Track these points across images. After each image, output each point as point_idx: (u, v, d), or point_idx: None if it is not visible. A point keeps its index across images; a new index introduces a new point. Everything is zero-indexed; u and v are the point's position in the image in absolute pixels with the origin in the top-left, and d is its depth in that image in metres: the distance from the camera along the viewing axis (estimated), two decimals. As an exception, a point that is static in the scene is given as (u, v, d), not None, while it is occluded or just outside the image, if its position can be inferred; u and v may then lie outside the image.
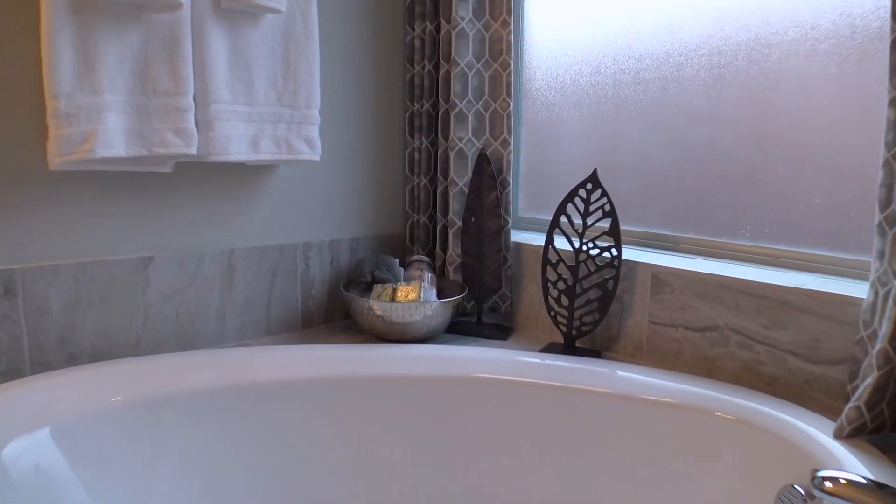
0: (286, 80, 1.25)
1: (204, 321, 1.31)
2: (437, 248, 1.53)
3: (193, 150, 1.13)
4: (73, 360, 1.19)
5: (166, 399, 1.09)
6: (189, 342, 1.30)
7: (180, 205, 1.27)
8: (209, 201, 1.30)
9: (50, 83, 1.03)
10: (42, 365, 1.16)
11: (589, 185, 1.25)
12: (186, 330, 1.29)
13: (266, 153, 1.23)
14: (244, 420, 1.13)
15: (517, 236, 1.48)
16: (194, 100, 1.14)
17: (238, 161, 1.20)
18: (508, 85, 1.41)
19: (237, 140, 1.19)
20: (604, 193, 1.24)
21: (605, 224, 1.24)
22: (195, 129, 1.13)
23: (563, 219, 1.28)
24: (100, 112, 1.06)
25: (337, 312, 1.50)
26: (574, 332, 1.28)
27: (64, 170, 1.10)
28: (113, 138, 1.07)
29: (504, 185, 1.42)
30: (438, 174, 1.50)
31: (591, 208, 1.25)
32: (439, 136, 1.49)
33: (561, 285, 1.29)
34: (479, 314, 1.44)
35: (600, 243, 1.24)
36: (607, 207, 1.23)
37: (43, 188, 1.14)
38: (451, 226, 1.47)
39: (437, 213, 1.52)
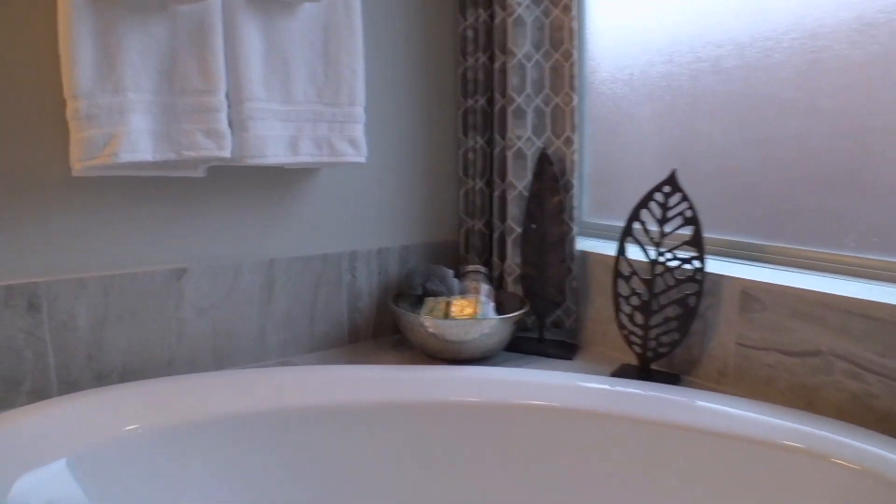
0: (327, 76, 1.15)
1: (242, 337, 1.22)
2: (495, 257, 1.40)
3: (226, 153, 1.03)
4: (101, 379, 1.10)
5: (197, 425, 1.00)
6: (227, 359, 1.21)
7: (215, 212, 1.17)
8: (246, 208, 1.20)
9: (69, 82, 0.94)
10: (69, 384, 1.08)
11: (667, 188, 1.11)
12: (224, 346, 1.20)
13: (306, 155, 1.13)
14: (280, 448, 1.03)
15: (582, 244, 1.34)
16: (227, 98, 1.04)
17: (276, 164, 1.10)
18: (571, 77, 1.28)
19: (274, 141, 1.08)
20: (684, 197, 1.09)
21: (686, 232, 1.09)
22: (228, 130, 1.04)
23: (637, 226, 1.14)
24: (123, 113, 0.97)
25: (386, 326, 1.39)
26: (650, 354, 1.14)
27: (88, 175, 1.02)
28: (138, 141, 0.97)
29: (567, 187, 1.29)
30: (495, 176, 1.38)
31: (669, 214, 1.11)
32: (496, 134, 1.36)
33: (635, 301, 1.15)
34: (541, 330, 1.30)
35: (680, 254, 1.10)
36: (688, 213, 1.09)
37: (67, 195, 1.06)
38: (510, 233, 1.34)
39: (495, 219, 1.39)
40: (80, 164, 0.96)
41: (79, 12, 0.93)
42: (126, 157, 0.95)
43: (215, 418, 1.01)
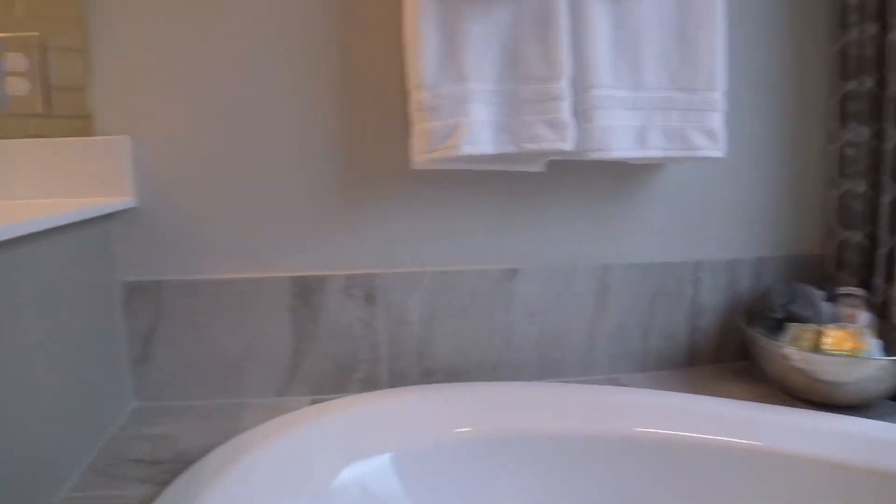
0: (682, 57, 0.99)
1: (570, 347, 1.12)
2: (877, 279, 1.12)
3: (569, 146, 0.93)
4: (428, 376, 1.09)
5: (521, 437, 0.93)
6: (551, 369, 1.12)
7: (551, 210, 1.09)
8: (583, 207, 1.10)
9: (414, 72, 0.92)
10: (398, 377, 1.08)
11: None
12: (550, 355, 1.11)
13: (655, 149, 0.99)
14: (602, 478, 0.92)
15: None
16: (571, 86, 0.94)
17: (620, 158, 0.98)
18: None
19: (620, 133, 0.96)
20: None
21: None
22: (572, 121, 0.94)
23: None
24: (465, 103, 0.92)
25: (730, 350, 1.19)
26: None
27: (427, 169, 0.99)
28: (479, 133, 0.92)
29: None
30: (886, 177, 1.10)
31: None
32: (887, 124, 1.09)
33: None
34: (943, 376, 1.01)
35: None
36: None
37: (406, 189, 1.05)
38: (904, 249, 1.07)
39: (881, 231, 1.12)
40: (421, 156, 0.93)
41: (426, 3, 0.90)
42: (467, 149, 0.90)
43: (541, 433, 0.94)
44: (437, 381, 1.09)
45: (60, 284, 0.87)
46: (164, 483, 0.84)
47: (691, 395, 0.99)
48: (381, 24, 1.01)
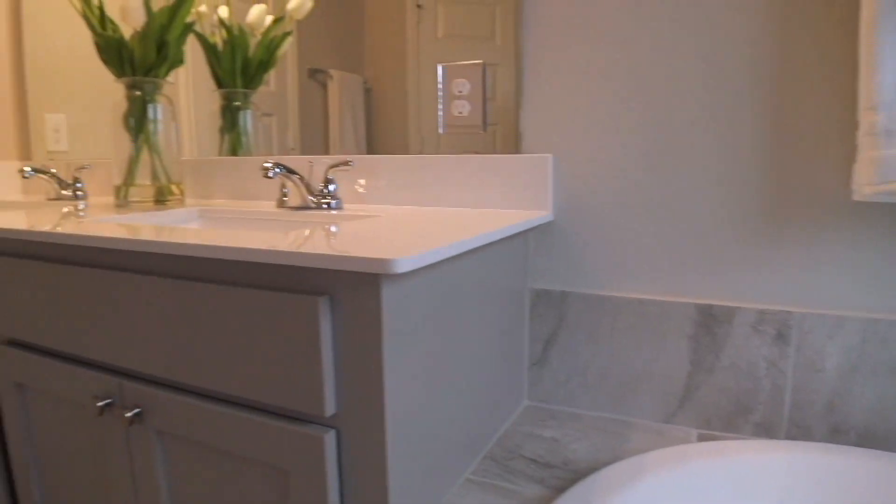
0: None
1: None
2: None
3: None
4: (836, 434, 0.96)
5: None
6: None
7: None
8: None
9: (868, 92, 0.81)
10: (799, 428, 0.98)
11: None
12: None
13: None
14: None
15: None
16: None
17: None
18: None
19: None
20: None
21: None
22: None
23: None
24: (932, 129, 0.79)
25: None
26: None
27: (871, 201, 0.87)
28: (946, 164, 0.78)
29: None
30: None
31: None
32: None
33: None
34: None
35: None
36: None
37: (838, 222, 0.94)
38: None
39: None
40: (868, 188, 0.82)
41: (885, 14, 0.79)
42: (930, 182, 0.78)
43: None
44: (848, 442, 0.96)
45: (494, 286, 0.96)
46: (556, 488, 0.87)
47: None
48: (823, 40, 0.91)
